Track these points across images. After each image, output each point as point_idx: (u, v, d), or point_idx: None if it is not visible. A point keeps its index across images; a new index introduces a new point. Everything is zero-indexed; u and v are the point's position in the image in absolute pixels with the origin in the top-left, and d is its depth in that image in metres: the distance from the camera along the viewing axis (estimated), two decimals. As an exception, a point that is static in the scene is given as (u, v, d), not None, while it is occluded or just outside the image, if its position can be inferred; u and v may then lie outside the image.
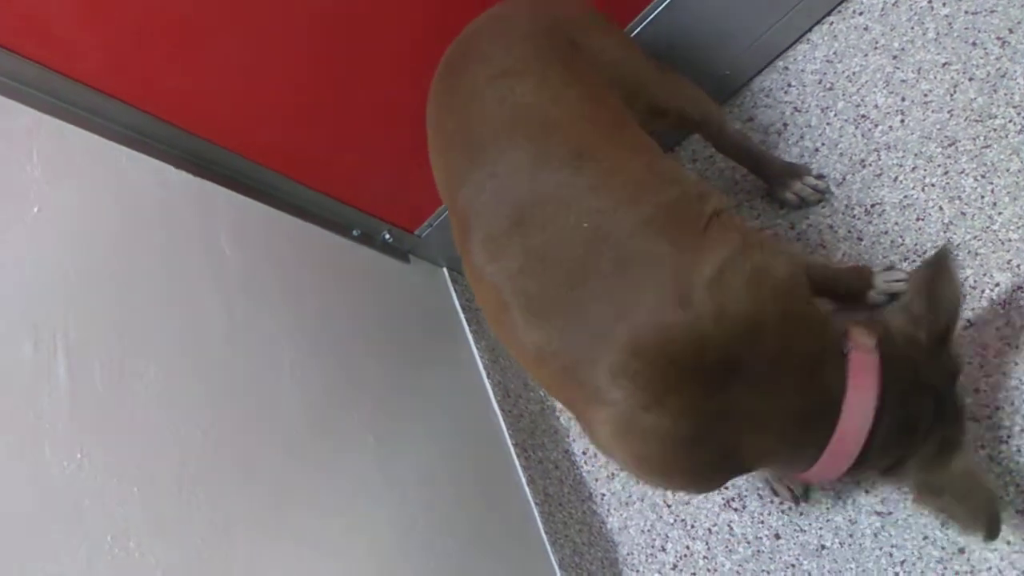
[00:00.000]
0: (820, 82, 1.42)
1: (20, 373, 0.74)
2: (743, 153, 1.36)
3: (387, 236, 1.52)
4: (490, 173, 0.94)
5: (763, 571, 1.28)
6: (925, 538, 1.15)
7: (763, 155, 1.37)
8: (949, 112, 1.29)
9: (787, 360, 0.86)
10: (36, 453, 0.72)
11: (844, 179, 1.35)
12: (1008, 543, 1.09)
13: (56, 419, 0.75)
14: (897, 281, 1.20)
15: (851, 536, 1.21)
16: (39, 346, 0.77)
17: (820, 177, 1.36)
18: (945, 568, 1.13)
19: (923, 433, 0.91)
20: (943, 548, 1.14)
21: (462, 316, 1.58)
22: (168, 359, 0.88)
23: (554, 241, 0.87)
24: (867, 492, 1.20)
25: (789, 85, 1.45)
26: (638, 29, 1.38)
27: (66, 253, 0.87)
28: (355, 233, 1.45)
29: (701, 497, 1.37)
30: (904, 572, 1.16)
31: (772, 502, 1.29)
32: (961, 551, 1.12)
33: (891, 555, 1.17)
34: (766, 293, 0.84)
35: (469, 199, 0.95)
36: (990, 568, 1.10)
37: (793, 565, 1.25)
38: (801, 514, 1.27)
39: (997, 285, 1.18)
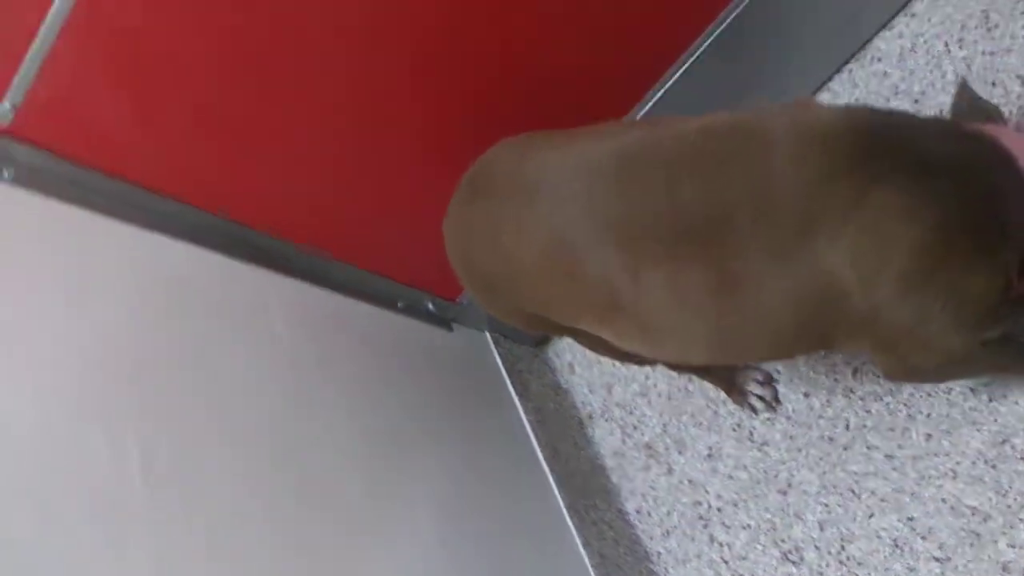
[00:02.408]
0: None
1: (98, 466, 0.79)
2: None
3: (430, 306, 1.57)
4: None
5: (826, 624, 1.27)
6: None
7: None
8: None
9: None
10: (116, 542, 0.76)
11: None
12: (1075, 585, 1.07)
13: (133, 506, 0.80)
14: None
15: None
16: (114, 445, 0.82)
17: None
18: None
19: None
20: None
21: (507, 379, 1.61)
22: (231, 449, 0.93)
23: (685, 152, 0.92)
24: (923, 539, 1.19)
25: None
26: (670, 83, 1.42)
27: (132, 351, 0.92)
28: (400, 305, 1.49)
29: (759, 550, 1.37)
30: None
31: (830, 553, 1.29)
32: (1027, 595, 1.11)
33: (953, 601, 1.16)
34: None
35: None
36: (1059, 611, 1.08)
37: None
38: (860, 564, 1.25)
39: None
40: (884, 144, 0.88)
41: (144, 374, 0.91)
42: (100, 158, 1.06)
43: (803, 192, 0.88)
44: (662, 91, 1.43)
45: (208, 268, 1.15)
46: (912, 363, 0.97)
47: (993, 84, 1.31)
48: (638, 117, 1.45)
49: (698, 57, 1.41)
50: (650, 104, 1.44)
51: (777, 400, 1.39)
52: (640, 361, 1.45)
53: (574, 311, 1.06)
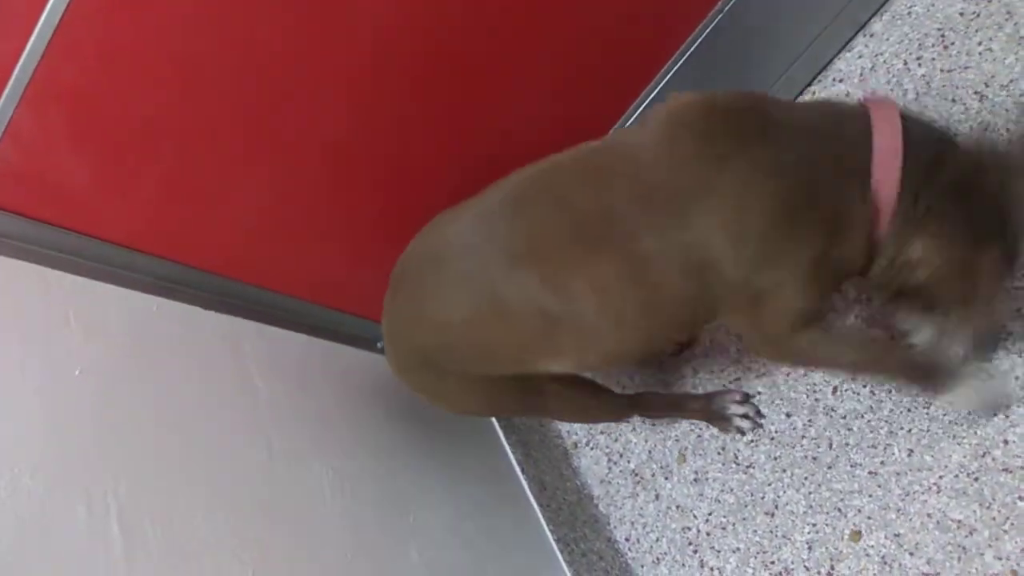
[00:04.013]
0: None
1: (76, 538, 0.77)
2: None
3: (410, 344, 1.56)
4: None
5: (820, 644, 1.27)
6: None
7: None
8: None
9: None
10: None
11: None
12: (1062, 593, 1.08)
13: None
14: None
15: None
16: (92, 508, 0.81)
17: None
18: (1003, 624, 1.12)
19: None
20: (998, 604, 1.13)
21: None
22: (214, 505, 0.92)
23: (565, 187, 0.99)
24: (911, 555, 1.20)
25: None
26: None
27: (108, 410, 0.91)
28: (379, 345, 1.49)
29: (749, 573, 1.36)
30: None
31: (819, 573, 1.29)
32: (1016, 605, 1.11)
33: (946, 616, 1.16)
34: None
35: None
36: (1048, 620, 1.09)
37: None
38: (851, 582, 1.26)
39: (1011, 334, 1.20)
40: (742, 119, 0.94)
41: (122, 439, 0.90)
42: (71, 219, 1.06)
43: (674, 169, 0.94)
44: (633, 118, 1.45)
45: (185, 321, 1.14)
46: (769, 331, 1.02)
47: (953, 100, 1.34)
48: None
49: (663, 85, 1.43)
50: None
51: (760, 414, 1.40)
52: (610, 418, 1.48)
53: (517, 351, 1.09)
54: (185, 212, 1.16)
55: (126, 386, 0.96)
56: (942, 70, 1.37)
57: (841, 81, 1.47)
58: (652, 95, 1.44)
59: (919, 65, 1.39)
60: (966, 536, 1.16)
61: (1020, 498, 1.13)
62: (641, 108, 1.44)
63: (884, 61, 1.43)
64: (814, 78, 1.50)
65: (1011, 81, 1.30)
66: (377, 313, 1.50)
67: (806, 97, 1.49)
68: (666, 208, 0.93)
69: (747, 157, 0.91)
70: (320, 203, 1.28)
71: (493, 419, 1.61)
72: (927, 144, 0.96)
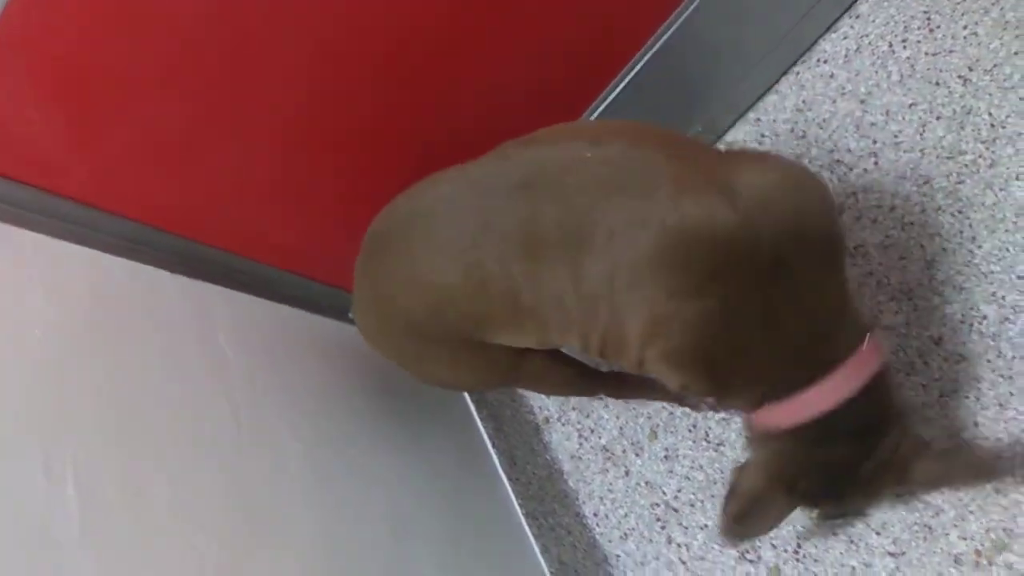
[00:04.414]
0: (792, 131, 1.46)
1: (34, 502, 0.75)
2: None
3: (383, 314, 1.54)
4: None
5: (785, 621, 1.28)
6: (940, 575, 1.16)
7: None
8: (920, 151, 1.32)
9: (825, 282, 0.93)
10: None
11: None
12: (1009, 567, 1.10)
13: (68, 539, 0.76)
14: None
15: (868, 579, 1.22)
16: (49, 468, 0.78)
17: None
18: (964, 605, 1.13)
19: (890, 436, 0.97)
20: (960, 585, 1.14)
21: (463, 386, 1.60)
22: (177, 471, 0.90)
23: (572, 179, 0.93)
24: (878, 534, 1.21)
25: (762, 136, 1.49)
26: (615, 94, 1.42)
27: (70, 373, 0.88)
28: (350, 315, 1.46)
29: (716, 551, 1.37)
30: (924, 612, 1.16)
31: (787, 551, 1.29)
32: (978, 587, 1.13)
33: (909, 595, 1.18)
34: (811, 207, 0.91)
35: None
36: (1009, 601, 1.10)
37: (814, 613, 1.25)
38: (816, 561, 1.27)
39: (984, 318, 1.20)
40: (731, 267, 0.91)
41: (83, 402, 0.87)
42: (35, 176, 1.02)
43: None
44: (611, 97, 1.42)
45: (150, 284, 1.10)
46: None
47: (936, 84, 1.33)
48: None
49: (646, 62, 1.40)
50: (599, 109, 1.44)
51: None
52: (584, 393, 1.47)
53: (494, 324, 1.07)
54: (153, 172, 1.13)
55: (88, 349, 0.93)
56: (927, 53, 1.36)
57: (825, 62, 1.46)
58: (635, 69, 1.41)
59: (904, 48, 1.39)
60: (932, 516, 1.17)
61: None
62: (622, 85, 1.42)
63: (869, 43, 1.42)
64: (798, 58, 1.48)
65: (995, 66, 1.29)
66: (348, 283, 1.48)
67: (790, 78, 1.48)
68: (629, 275, 0.91)
69: (702, 305, 0.89)
70: (292, 169, 1.25)
71: (464, 393, 1.60)
72: (871, 415, 0.97)
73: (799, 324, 0.91)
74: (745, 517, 1.01)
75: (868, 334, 0.95)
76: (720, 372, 0.94)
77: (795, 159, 1.01)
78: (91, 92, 0.99)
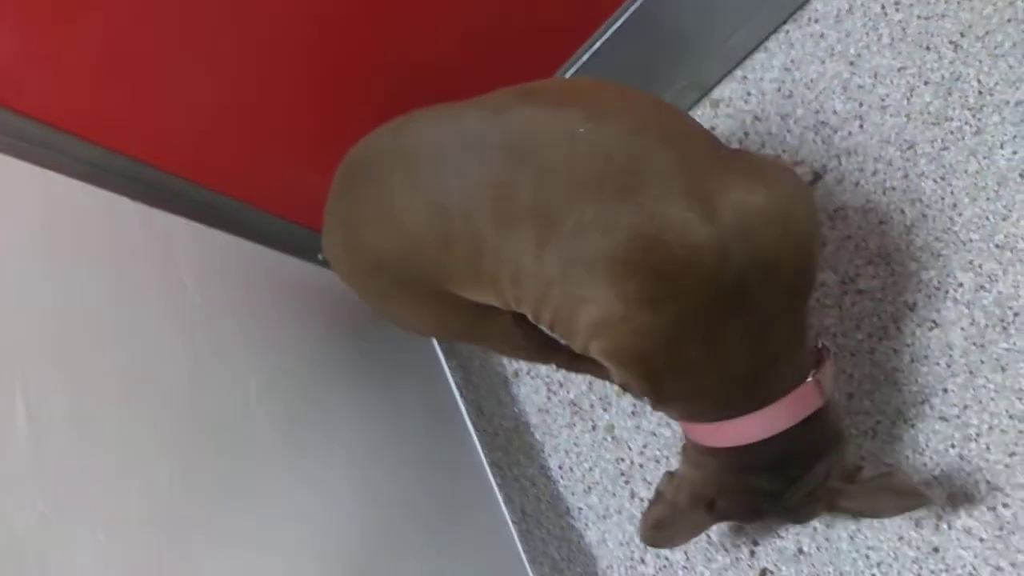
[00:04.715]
0: (779, 90, 1.43)
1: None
2: None
3: (353, 258, 1.51)
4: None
5: (743, 579, 1.28)
6: (900, 539, 1.16)
7: None
8: (906, 116, 1.31)
9: (783, 316, 0.90)
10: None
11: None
12: (981, 540, 1.11)
13: (16, 466, 0.73)
14: None
15: (828, 540, 1.22)
16: (-3, 397, 0.75)
17: None
18: (920, 568, 1.14)
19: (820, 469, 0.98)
20: (918, 548, 1.15)
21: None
22: (130, 399, 0.86)
23: (559, 153, 0.88)
24: (842, 496, 1.21)
25: (748, 94, 1.46)
26: (596, 45, 1.38)
27: (20, 291, 0.84)
28: (320, 257, 1.43)
29: (679, 507, 1.37)
30: (880, 573, 1.17)
31: (749, 510, 1.30)
32: (935, 550, 1.13)
33: (868, 557, 1.18)
34: (792, 238, 0.87)
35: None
36: (964, 565, 1.11)
37: (771, 572, 1.26)
38: (778, 520, 1.27)
39: (960, 285, 1.20)
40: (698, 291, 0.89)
41: (34, 324, 0.83)
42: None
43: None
44: (596, 46, 1.38)
45: (110, 211, 1.06)
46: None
47: (927, 48, 1.31)
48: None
49: (634, 11, 1.36)
50: (583, 59, 1.40)
51: None
52: (538, 360, 1.46)
53: (457, 278, 1.04)
54: (117, 94, 1.07)
55: (41, 273, 0.89)
56: (919, 17, 1.34)
57: (816, 22, 1.43)
58: (623, 18, 1.37)
59: (897, 10, 1.36)
60: (896, 481, 1.17)
61: (952, 446, 1.15)
62: (608, 33, 1.38)
63: (862, 4, 1.40)
64: (789, 16, 1.45)
65: (987, 33, 1.28)
66: (318, 223, 1.44)
67: (780, 36, 1.45)
68: (587, 273, 0.88)
69: (654, 318, 0.87)
70: (265, 101, 1.20)
71: (434, 341, 1.58)
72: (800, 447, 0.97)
73: (745, 355, 0.90)
74: (664, 527, 1.04)
75: (814, 372, 0.95)
76: (660, 382, 0.94)
77: (793, 172, 0.98)
78: (52, 7, 0.94)
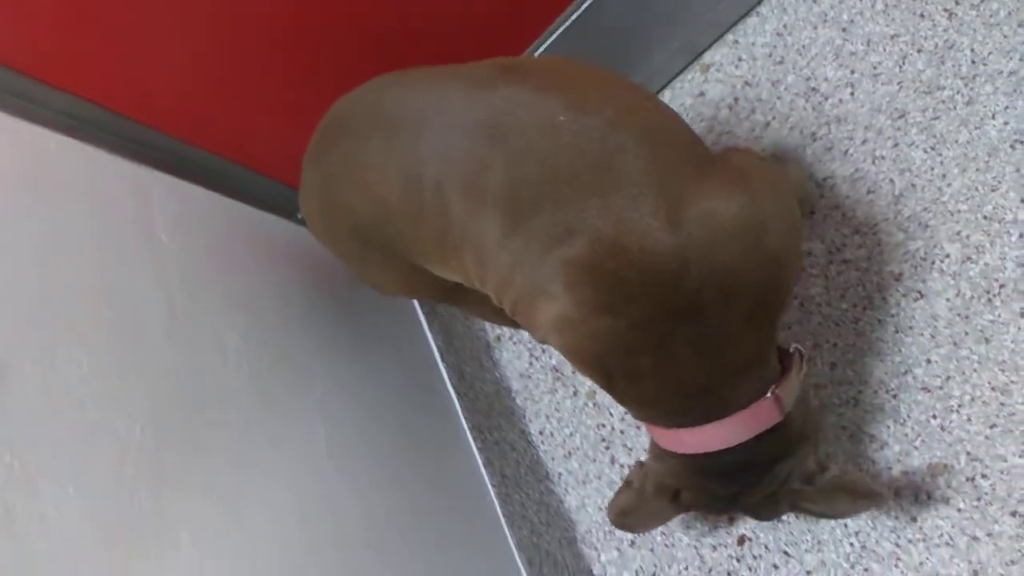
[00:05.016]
0: (770, 55, 1.41)
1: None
2: None
3: (335, 218, 1.48)
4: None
5: (720, 544, 1.28)
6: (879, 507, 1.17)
7: None
8: (898, 84, 1.29)
9: (744, 334, 0.88)
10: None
11: (795, 153, 1.35)
12: (959, 510, 1.11)
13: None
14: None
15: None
16: (-38, 343, 0.73)
17: None
18: (898, 536, 1.14)
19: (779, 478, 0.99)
20: (896, 518, 1.15)
21: (415, 301, 1.56)
22: (103, 352, 0.84)
23: (534, 141, 0.86)
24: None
25: (739, 59, 1.44)
26: (585, 5, 1.35)
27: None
28: (299, 216, 1.40)
29: (659, 474, 1.37)
30: (859, 542, 1.17)
31: (729, 477, 1.30)
32: (913, 520, 1.14)
33: (846, 526, 1.19)
34: (760, 255, 0.85)
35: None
36: (941, 535, 1.12)
37: (750, 539, 1.26)
38: (757, 488, 1.27)
39: (947, 256, 1.19)
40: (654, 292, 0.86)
41: (6, 270, 0.81)
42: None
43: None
44: (586, 4, 1.35)
45: (85, 163, 1.03)
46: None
47: (921, 16, 1.30)
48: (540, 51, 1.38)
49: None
50: (574, 16, 1.37)
51: None
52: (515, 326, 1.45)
53: (424, 253, 1.02)
54: (91, 42, 1.04)
55: (11, 222, 0.86)
56: (914, -18, 1.32)
57: (810, -15, 1.41)
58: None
59: (891, -24, 1.34)
60: (877, 450, 1.17)
61: (934, 416, 1.15)
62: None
63: (857, -32, 1.37)
64: (783, -21, 1.43)
65: (982, 1, 1.26)
66: (298, 180, 1.41)
67: (772, 0, 1.43)
68: (548, 270, 0.87)
69: (610, 322, 0.86)
70: (244, 53, 1.16)
71: (415, 303, 1.56)
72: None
73: (698, 369, 0.88)
74: (629, 513, 1.07)
75: (775, 386, 0.93)
76: (615, 384, 0.93)
77: (783, 183, 0.95)
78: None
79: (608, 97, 0.90)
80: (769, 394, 0.92)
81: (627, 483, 1.08)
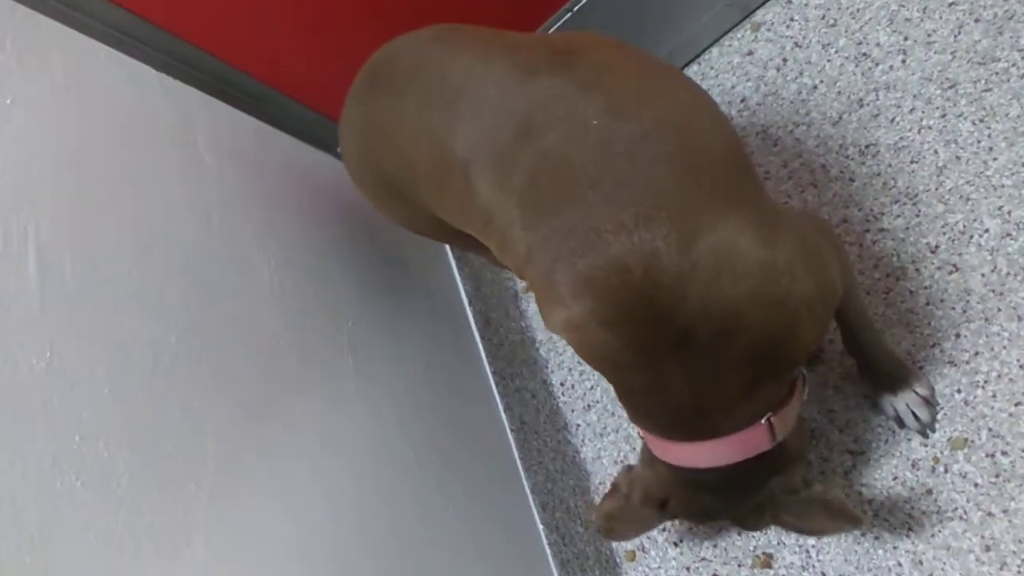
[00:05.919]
0: (823, 17, 1.39)
1: (-8, 268, 0.71)
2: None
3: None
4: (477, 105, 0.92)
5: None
6: (895, 478, 1.17)
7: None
8: (952, 53, 1.26)
9: (740, 371, 0.86)
10: (3, 348, 0.70)
11: (841, 118, 1.33)
12: (975, 485, 1.11)
13: (26, 314, 0.73)
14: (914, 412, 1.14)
15: (823, 474, 1.22)
16: (8, 240, 0.75)
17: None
18: (912, 507, 1.14)
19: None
20: (912, 488, 1.15)
21: (446, 246, 1.56)
22: (142, 261, 0.86)
23: (564, 141, 0.84)
24: (840, 431, 1.21)
25: (791, 19, 1.41)
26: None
27: (37, 147, 0.83)
28: (339, 151, 1.41)
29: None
30: (872, 510, 1.17)
31: (746, 438, 1.30)
32: (929, 492, 1.14)
33: (860, 493, 1.19)
34: (767, 301, 0.81)
35: (468, 139, 0.92)
36: (955, 508, 1.12)
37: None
38: (774, 451, 1.27)
39: (987, 231, 1.17)
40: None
41: (48, 177, 0.83)
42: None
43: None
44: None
45: (133, 78, 1.04)
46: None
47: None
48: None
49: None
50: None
51: None
52: None
53: (450, 215, 1.03)
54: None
55: (59, 126, 0.88)
56: (978, -50, 1.28)
57: (869, -52, 1.38)
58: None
59: (954, -58, 1.31)
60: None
61: (958, 391, 1.14)
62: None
63: (919, -68, 1.34)
64: (842, -60, 1.40)
65: (1046, -28, 1.22)
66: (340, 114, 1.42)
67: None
68: (559, 274, 0.86)
69: (607, 336, 0.84)
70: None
71: (447, 248, 1.57)
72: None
73: (687, 396, 0.86)
74: (615, 519, 1.07)
75: (771, 414, 0.91)
76: (615, 385, 0.93)
77: (824, 236, 0.94)
78: None
79: (652, 101, 0.86)
80: (763, 421, 0.91)
81: (615, 488, 1.08)
